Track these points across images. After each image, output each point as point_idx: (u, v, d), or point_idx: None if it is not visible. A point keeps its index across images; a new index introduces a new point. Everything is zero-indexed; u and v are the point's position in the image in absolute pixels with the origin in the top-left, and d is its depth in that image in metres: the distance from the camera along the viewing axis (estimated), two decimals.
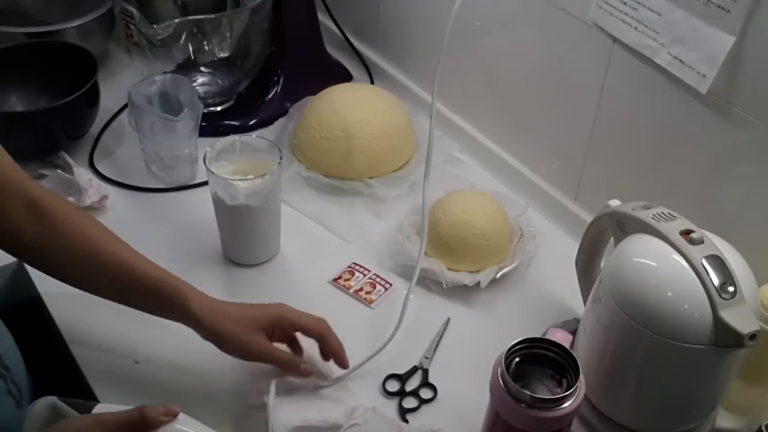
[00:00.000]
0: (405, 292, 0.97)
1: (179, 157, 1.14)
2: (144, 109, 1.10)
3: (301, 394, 0.88)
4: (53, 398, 0.73)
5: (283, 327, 0.87)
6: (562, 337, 0.76)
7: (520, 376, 0.73)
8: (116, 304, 0.86)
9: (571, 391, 0.71)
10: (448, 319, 0.98)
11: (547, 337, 0.76)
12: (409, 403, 0.89)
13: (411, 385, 0.91)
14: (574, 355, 0.73)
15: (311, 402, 0.86)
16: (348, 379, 0.90)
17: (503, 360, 0.73)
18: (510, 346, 0.74)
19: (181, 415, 0.69)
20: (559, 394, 0.71)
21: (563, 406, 0.71)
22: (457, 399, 0.89)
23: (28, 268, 0.96)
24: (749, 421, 0.84)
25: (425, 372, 0.92)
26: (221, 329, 0.83)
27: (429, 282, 1.01)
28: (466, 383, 0.90)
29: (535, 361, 0.75)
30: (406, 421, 0.87)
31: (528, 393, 0.71)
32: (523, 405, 0.71)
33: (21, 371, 0.84)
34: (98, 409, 0.72)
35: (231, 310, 0.85)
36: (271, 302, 0.88)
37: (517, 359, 0.74)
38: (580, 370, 0.72)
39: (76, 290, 0.92)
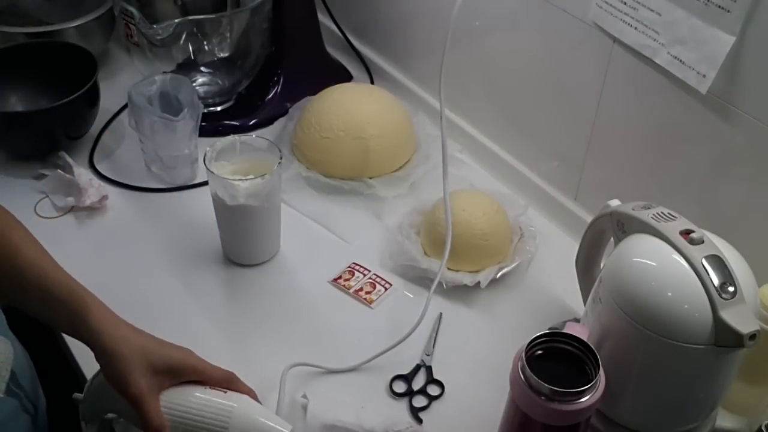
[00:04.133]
0: (405, 292, 0.98)
1: (179, 157, 1.14)
2: (144, 109, 1.10)
3: (340, 397, 0.88)
4: None
5: (184, 375, 0.75)
6: (581, 331, 0.76)
7: (540, 369, 0.73)
8: (119, 306, 0.86)
9: (590, 384, 0.71)
10: (441, 314, 0.98)
11: (566, 331, 0.76)
12: (419, 401, 0.89)
13: (417, 384, 0.91)
14: (594, 349, 0.73)
15: (350, 406, 0.86)
16: (351, 380, 0.90)
17: (524, 353, 0.73)
18: (530, 339, 0.74)
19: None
20: (579, 388, 0.71)
21: (582, 399, 0.72)
22: (464, 395, 0.90)
23: None
24: (749, 421, 0.84)
25: (429, 369, 0.92)
26: (116, 352, 0.72)
27: (429, 282, 1.01)
28: (471, 381, 0.91)
29: (554, 355, 0.75)
30: (420, 421, 0.87)
31: (548, 386, 0.71)
32: (543, 398, 0.71)
33: (35, 390, 0.82)
34: None
35: (135, 339, 0.74)
36: (181, 346, 0.77)
37: (537, 353, 0.75)
38: (600, 364, 0.73)
39: None
